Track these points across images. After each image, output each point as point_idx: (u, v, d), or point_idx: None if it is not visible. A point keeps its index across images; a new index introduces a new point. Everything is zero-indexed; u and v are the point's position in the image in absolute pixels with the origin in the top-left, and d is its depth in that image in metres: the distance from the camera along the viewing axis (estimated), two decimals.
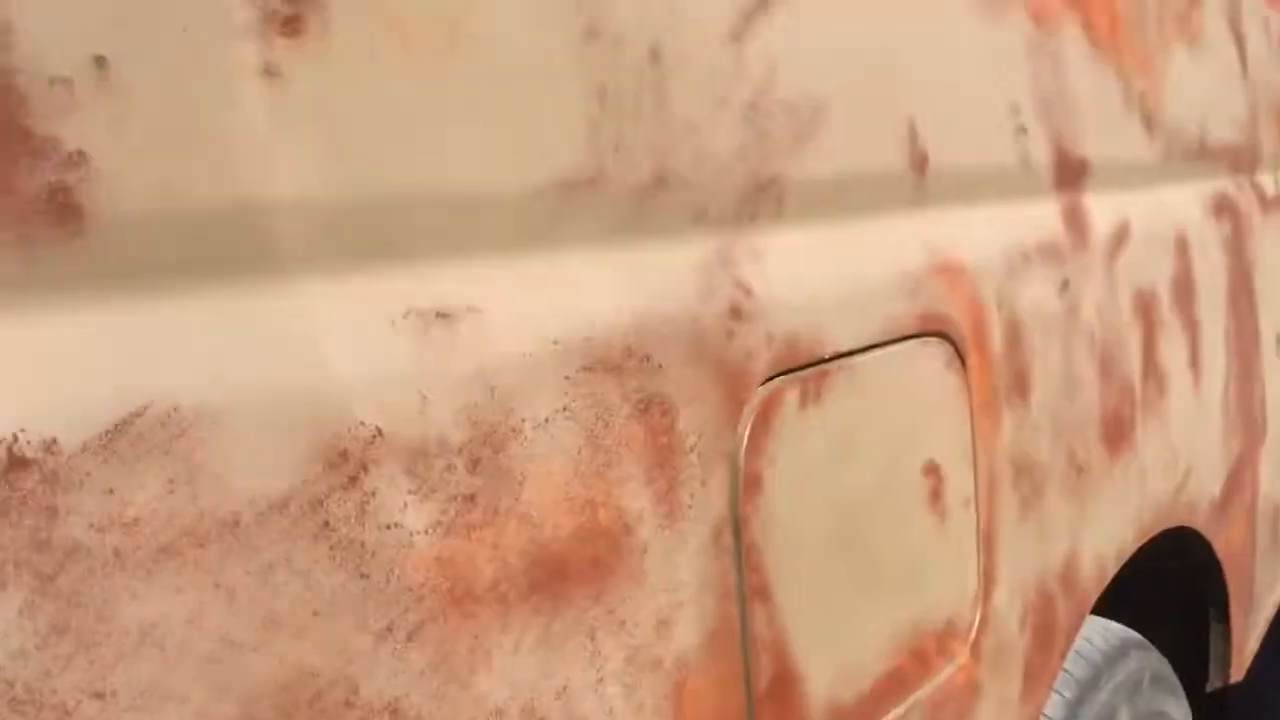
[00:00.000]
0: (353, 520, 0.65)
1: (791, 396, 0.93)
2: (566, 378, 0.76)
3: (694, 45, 0.84)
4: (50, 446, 0.54)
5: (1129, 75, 1.48)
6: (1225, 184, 1.87)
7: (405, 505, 0.67)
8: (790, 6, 0.92)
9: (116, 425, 0.56)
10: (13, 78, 0.53)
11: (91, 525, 0.55)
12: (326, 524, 0.64)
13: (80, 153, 0.55)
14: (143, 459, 0.57)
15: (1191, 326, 1.68)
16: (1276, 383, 2.11)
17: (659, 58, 0.81)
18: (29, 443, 0.53)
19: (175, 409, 0.58)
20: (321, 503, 0.63)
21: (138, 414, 0.57)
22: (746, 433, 0.89)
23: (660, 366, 0.83)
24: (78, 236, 0.56)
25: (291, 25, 0.62)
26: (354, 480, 0.65)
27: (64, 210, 0.55)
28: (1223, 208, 1.83)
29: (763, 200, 0.93)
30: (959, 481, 1.15)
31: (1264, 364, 2.02)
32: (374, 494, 0.66)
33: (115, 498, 0.56)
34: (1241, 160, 1.94)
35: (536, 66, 0.74)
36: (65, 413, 0.55)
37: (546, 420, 0.75)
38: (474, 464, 0.71)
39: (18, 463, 0.53)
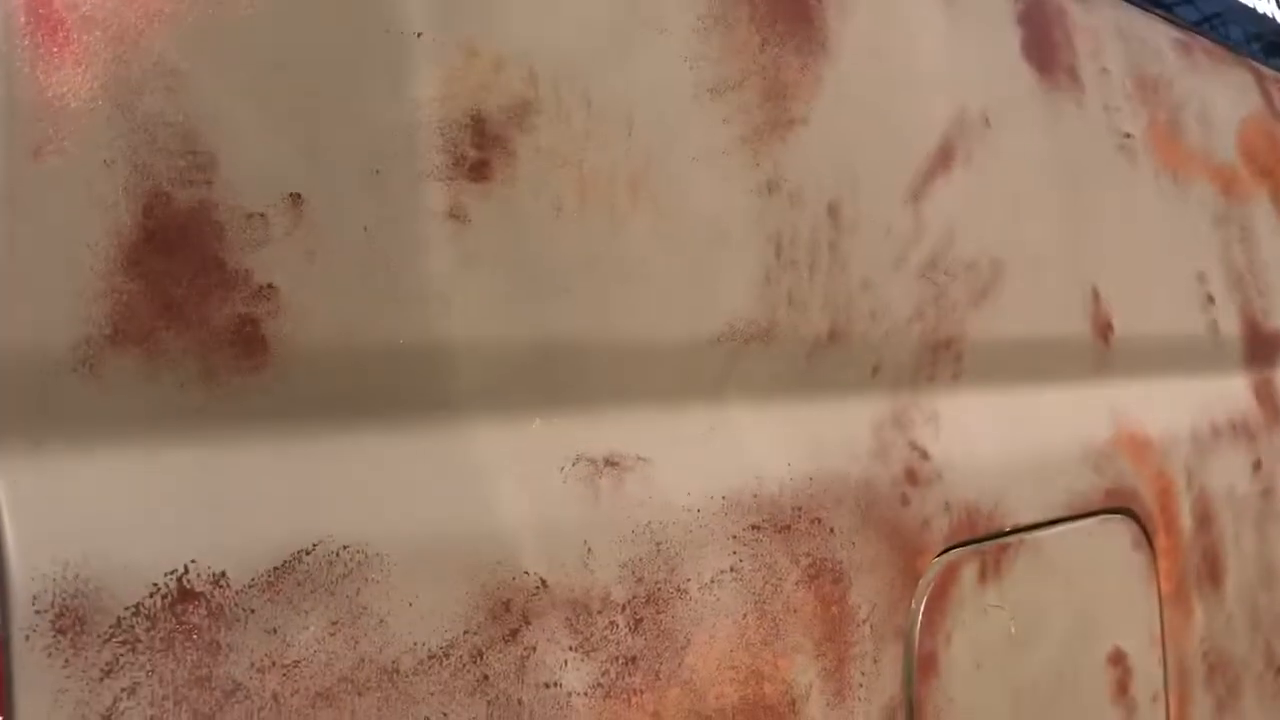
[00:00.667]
0: (512, 676, 0.62)
1: (970, 570, 0.88)
2: (734, 536, 0.73)
3: (872, 202, 0.83)
4: (219, 581, 0.53)
5: None
6: None
7: (565, 663, 0.64)
8: (970, 167, 0.91)
9: (285, 562, 0.55)
10: (211, 210, 0.54)
11: (253, 665, 0.53)
12: (486, 678, 0.61)
13: (270, 286, 0.55)
14: (308, 599, 0.55)
15: None
16: None
17: (837, 214, 0.80)
18: (198, 576, 0.52)
19: (344, 548, 0.57)
20: (482, 655, 0.61)
21: (306, 551, 0.56)
22: (922, 607, 0.84)
23: (832, 530, 0.79)
24: (260, 370, 0.56)
25: (479, 170, 0.62)
26: (515, 633, 0.62)
27: (250, 343, 0.55)
28: None
29: (940, 361, 0.89)
30: (1147, 674, 1.06)
31: None
32: (535, 649, 0.63)
33: (278, 638, 0.54)
34: None
35: (714, 219, 0.73)
36: (235, 546, 0.54)
37: (713, 580, 0.72)
38: (636, 623, 0.68)
39: (186, 595, 0.52)
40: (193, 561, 0.52)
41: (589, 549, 0.66)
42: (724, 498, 0.73)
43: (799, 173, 0.78)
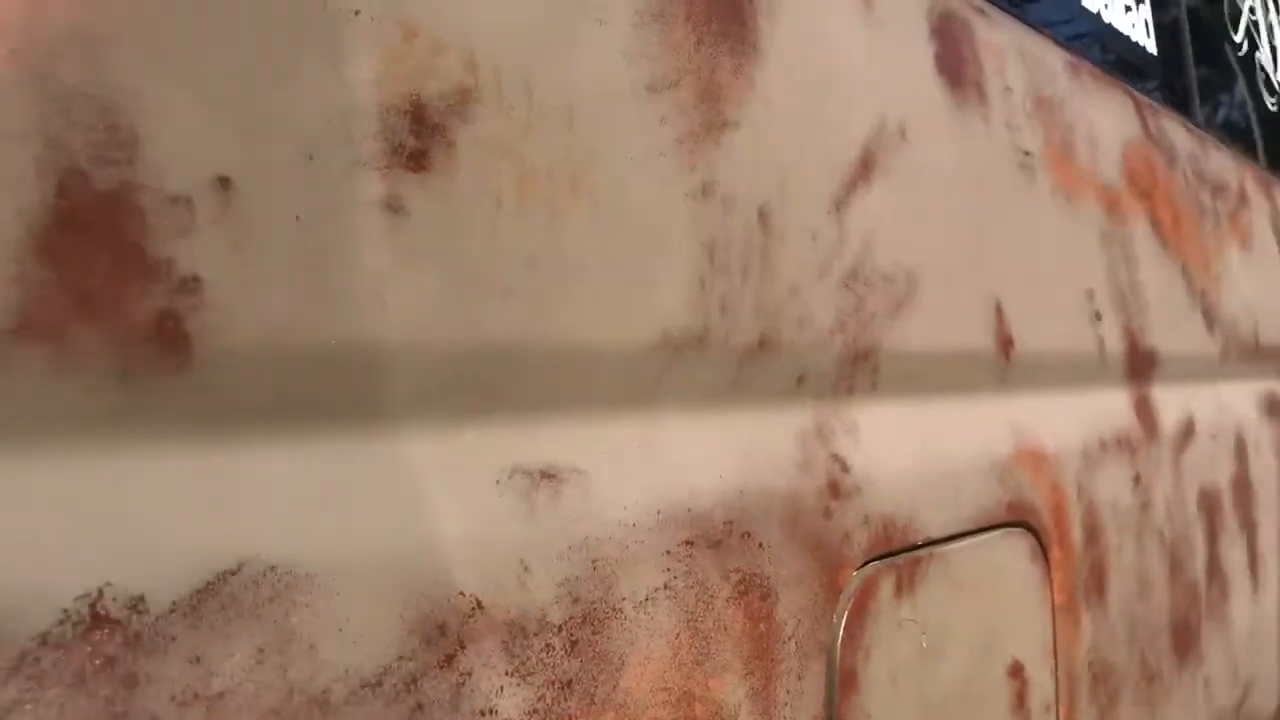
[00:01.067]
0: (447, 704, 0.57)
1: (887, 584, 0.87)
2: (668, 552, 0.70)
3: (800, 209, 0.81)
4: (136, 605, 0.47)
5: (1191, 271, 1.47)
6: (1275, 386, 1.84)
7: (501, 689, 0.60)
8: (888, 178, 0.90)
9: (208, 584, 0.50)
10: (132, 192, 0.48)
11: (173, 698, 0.48)
12: (420, 706, 0.56)
13: (194, 278, 0.50)
14: (233, 623, 0.50)
15: (1250, 529, 1.63)
16: None
17: (767, 220, 0.78)
18: (114, 600, 0.47)
19: (271, 569, 0.52)
20: (416, 682, 0.56)
21: (231, 572, 0.50)
22: (843, 623, 0.82)
23: (760, 545, 0.76)
24: (181, 370, 0.50)
25: (418, 160, 0.58)
26: (450, 658, 0.58)
27: (171, 340, 0.50)
28: (1275, 409, 1.79)
29: (859, 372, 0.88)
30: (1041, 685, 1.07)
31: None
32: (470, 674, 0.59)
33: (201, 668, 0.49)
34: None
35: (651, 222, 0.70)
36: (154, 567, 0.48)
37: (647, 599, 0.68)
38: (572, 645, 0.64)
39: (100, 622, 0.46)
40: (108, 584, 0.47)
41: (525, 567, 0.62)
42: (659, 511, 0.70)
43: (731, 177, 0.76)
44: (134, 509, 0.49)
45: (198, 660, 0.49)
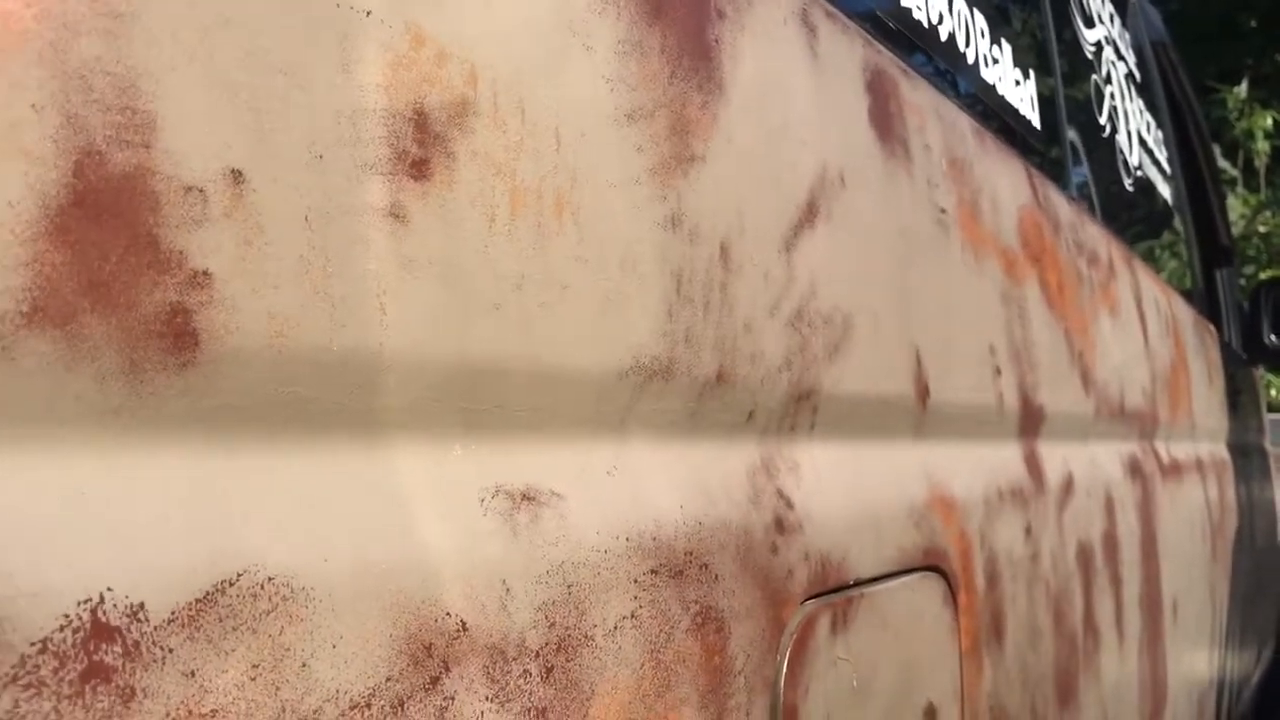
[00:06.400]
0: None
1: (824, 622, 0.87)
2: (635, 581, 0.69)
3: (755, 246, 0.82)
4: (136, 613, 0.44)
5: (1072, 334, 1.54)
6: (1135, 448, 1.94)
7: (482, 715, 0.58)
8: (829, 223, 0.92)
9: (207, 593, 0.47)
10: (149, 178, 0.46)
11: (168, 715, 0.45)
12: None
13: (205, 273, 0.48)
14: (229, 636, 0.47)
15: (1117, 585, 1.70)
16: (1173, 649, 2.13)
17: (727, 255, 0.79)
18: (114, 606, 0.44)
19: (269, 580, 0.49)
20: (403, 705, 0.54)
21: (230, 582, 0.48)
22: (786, 659, 0.83)
23: (716, 577, 0.76)
24: (187, 369, 0.48)
25: (420, 168, 0.57)
26: (435, 681, 0.56)
27: (180, 336, 0.47)
28: (1135, 470, 1.89)
29: (801, 411, 0.89)
30: None
31: (1165, 630, 2.05)
32: (454, 699, 0.57)
33: (195, 683, 0.46)
34: (1146, 426, 2.02)
35: (627, 248, 0.70)
36: (155, 573, 0.45)
37: (616, 627, 0.67)
38: (548, 672, 0.62)
39: (100, 630, 0.43)
40: (109, 590, 0.44)
41: (507, 589, 0.60)
42: (627, 539, 0.69)
43: (697, 210, 0.76)
44: (136, 511, 0.46)
45: (193, 675, 0.46)
